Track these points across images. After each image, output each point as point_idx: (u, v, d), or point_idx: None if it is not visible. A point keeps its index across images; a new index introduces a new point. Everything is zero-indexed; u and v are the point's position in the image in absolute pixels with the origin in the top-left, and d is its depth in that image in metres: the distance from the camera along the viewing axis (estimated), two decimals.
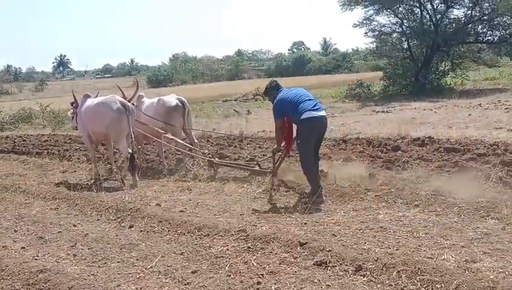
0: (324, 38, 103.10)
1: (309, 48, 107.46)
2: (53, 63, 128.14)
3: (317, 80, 49.45)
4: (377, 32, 27.97)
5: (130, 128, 8.62)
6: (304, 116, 6.45)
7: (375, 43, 29.60)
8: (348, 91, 26.71)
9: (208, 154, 8.97)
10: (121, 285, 4.40)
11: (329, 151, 10.07)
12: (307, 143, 6.59)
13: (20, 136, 17.97)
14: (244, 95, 32.76)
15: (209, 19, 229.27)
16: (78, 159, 11.46)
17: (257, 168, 8.11)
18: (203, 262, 4.78)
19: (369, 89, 27.20)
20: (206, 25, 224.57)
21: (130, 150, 8.57)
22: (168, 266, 4.75)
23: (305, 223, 5.62)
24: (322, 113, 6.63)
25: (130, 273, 4.68)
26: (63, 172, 10.34)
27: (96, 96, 9.41)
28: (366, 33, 28.02)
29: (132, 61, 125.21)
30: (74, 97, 9.96)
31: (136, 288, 4.33)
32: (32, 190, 8.66)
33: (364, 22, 27.53)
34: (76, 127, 10.04)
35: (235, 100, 31.54)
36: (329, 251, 4.54)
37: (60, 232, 6.18)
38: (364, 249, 4.68)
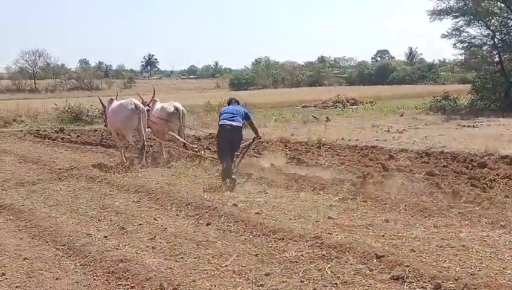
0: (410, 48, 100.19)
1: (393, 57, 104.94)
2: (141, 62, 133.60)
3: (400, 89, 48.26)
4: (467, 44, 26.73)
5: (141, 125, 10.88)
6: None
7: (463, 55, 28.28)
8: (433, 103, 25.69)
9: (196, 148, 11.43)
10: (196, 281, 4.51)
11: (411, 163, 9.81)
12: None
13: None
14: (323, 102, 32.63)
15: (292, 24, 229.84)
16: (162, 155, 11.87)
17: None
18: (276, 265, 4.80)
19: (455, 102, 26.07)
20: (290, 31, 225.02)
21: (144, 142, 10.92)
22: (242, 266, 4.81)
23: (383, 236, 5.49)
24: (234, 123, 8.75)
25: (205, 269, 4.78)
26: (146, 167, 10.72)
27: (116, 99, 11.77)
28: (454, 44, 26.85)
29: (216, 63, 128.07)
30: (101, 101, 12.55)
31: (211, 285, 4.42)
32: (117, 182, 9.08)
33: (454, 32, 26.40)
34: (106, 124, 12.20)
35: (315, 106, 31.48)
36: (407, 266, 4.41)
37: (140, 224, 6.43)
38: (444, 267, 4.51)
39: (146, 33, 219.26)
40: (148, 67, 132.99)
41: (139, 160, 11.00)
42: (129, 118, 10.82)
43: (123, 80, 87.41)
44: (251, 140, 9.68)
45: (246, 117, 9.18)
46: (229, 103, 9.62)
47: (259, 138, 10.15)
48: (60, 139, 17.26)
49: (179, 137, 11.49)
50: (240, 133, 8.94)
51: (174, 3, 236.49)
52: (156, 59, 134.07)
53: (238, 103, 9.64)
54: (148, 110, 11.71)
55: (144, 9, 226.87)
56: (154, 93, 12.55)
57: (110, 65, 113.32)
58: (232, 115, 8.89)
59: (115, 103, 11.47)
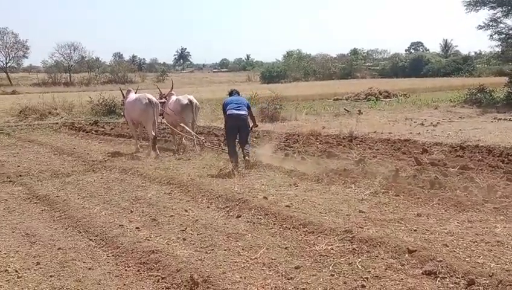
0: (445, 40, 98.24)
1: (428, 49, 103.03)
2: (174, 55, 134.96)
3: (434, 82, 47.34)
4: (504, 36, 25.97)
5: (155, 118, 11.78)
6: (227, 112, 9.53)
7: (501, 47, 27.57)
8: (468, 96, 25.10)
9: (203, 139, 11.72)
10: (226, 273, 4.52)
11: (445, 157, 9.62)
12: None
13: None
14: (356, 94, 32.19)
15: (325, 16, 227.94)
16: (192, 149, 11.97)
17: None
18: (306, 259, 4.77)
19: (491, 95, 25.40)
20: (321, 23, 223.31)
21: (154, 133, 11.69)
22: (272, 259, 4.81)
23: (415, 230, 5.40)
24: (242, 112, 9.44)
25: (235, 262, 4.80)
26: (178, 159, 10.84)
27: (136, 92, 13.00)
28: (491, 36, 26.14)
29: (248, 56, 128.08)
30: (122, 93, 13.85)
31: (241, 277, 4.43)
32: (149, 173, 9.20)
33: (491, 24, 25.70)
34: (123, 114, 13.58)
35: (346, 99, 31.12)
36: (440, 261, 4.33)
37: (172, 216, 6.50)
38: (479, 263, 4.40)
39: (179, 27, 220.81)
40: (181, 60, 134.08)
41: (154, 151, 11.65)
42: (144, 111, 11.67)
43: (156, 74, 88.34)
44: (250, 128, 9.92)
45: (248, 107, 9.79)
46: (231, 94, 10.28)
47: (257, 126, 10.71)
48: (94, 132, 17.58)
49: (189, 129, 11.97)
50: (247, 121, 9.62)
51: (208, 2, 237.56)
52: (188, 52, 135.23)
53: (238, 94, 10.40)
54: (164, 103, 12.73)
55: (176, 3, 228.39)
56: (172, 87, 13.33)
57: (144, 59, 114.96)
58: (237, 105, 9.56)
59: (132, 96, 12.53)
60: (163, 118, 12.88)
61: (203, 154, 11.07)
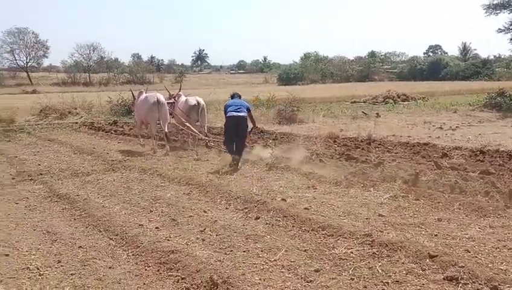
0: (463, 43, 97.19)
1: (446, 52, 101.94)
2: (192, 57, 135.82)
3: (453, 85, 46.83)
4: None
5: (162, 116, 12.25)
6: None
7: None
8: (488, 100, 24.76)
9: (207, 139, 12.61)
10: (246, 274, 4.53)
11: (465, 161, 9.52)
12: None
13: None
14: (373, 97, 31.99)
15: (342, 19, 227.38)
16: (210, 149, 12.02)
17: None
18: (326, 262, 4.76)
19: (511, 99, 25.11)
20: (338, 25, 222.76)
21: (166, 130, 12.43)
22: (291, 261, 4.80)
23: (436, 235, 5.36)
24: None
25: (254, 263, 4.80)
26: (196, 160, 10.88)
27: (146, 92, 13.29)
28: (511, 39, 25.90)
29: (265, 58, 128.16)
30: (132, 94, 14.61)
31: (260, 279, 4.43)
32: (168, 174, 9.25)
33: (511, 27, 25.47)
34: (133, 114, 14.46)
35: (364, 102, 30.93)
36: (462, 266, 4.29)
37: (191, 216, 6.52)
38: (502, 269, 4.35)
39: (197, 28, 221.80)
40: (199, 62, 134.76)
41: (153, 147, 12.61)
42: (151, 110, 12.22)
43: (174, 74, 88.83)
44: (249, 129, 10.40)
45: (248, 109, 10.22)
46: (232, 97, 10.81)
47: (256, 128, 11.51)
48: (113, 132, 17.72)
49: (194, 129, 12.51)
50: (246, 122, 10.08)
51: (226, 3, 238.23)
52: (206, 54, 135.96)
53: (240, 97, 10.85)
54: (173, 103, 13.36)
55: (194, 5, 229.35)
56: (180, 88, 14.49)
57: (162, 60, 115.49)
58: (237, 107, 10.06)
59: (142, 96, 13.04)
60: (172, 117, 13.52)
61: (220, 156, 11.13)
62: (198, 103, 12.65)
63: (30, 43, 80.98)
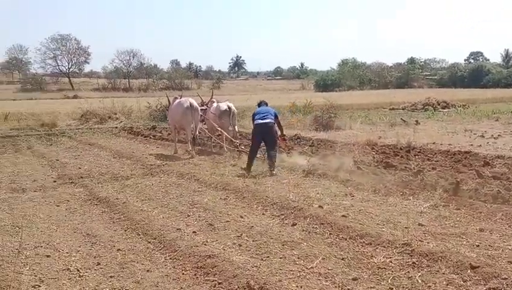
0: (506, 50, 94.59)
1: (488, 59, 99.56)
2: (229, 63, 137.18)
3: (495, 93, 45.70)
4: None
5: (194, 121, 12.70)
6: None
7: None
8: None
9: (240, 144, 12.88)
10: (282, 281, 4.50)
11: (508, 171, 9.24)
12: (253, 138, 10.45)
13: None
14: (412, 104, 31.52)
15: (381, 25, 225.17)
16: (245, 152, 12.04)
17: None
18: (364, 271, 4.69)
19: None
20: (378, 32, 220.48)
21: (197, 133, 13.02)
22: (328, 269, 4.75)
23: (477, 246, 5.21)
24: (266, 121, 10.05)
25: (291, 270, 4.77)
26: (233, 165, 10.93)
27: (181, 98, 13.49)
28: None
29: (302, 65, 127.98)
30: (168, 99, 14.95)
31: (297, 286, 4.40)
32: (205, 179, 9.33)
33: None
34: (168, 118, 14.89)
35: (403, 109, 30.51)
36: (505, 278, 4.16)
37: (227, 221, 6.54)
38: None
39: (235, 35, 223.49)
40: (236, 68, 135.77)
41: (190, 150, 12.84)
42: (185, 114, 12.65)
43: (212, 81, 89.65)
44: (276, 135, 10.42)
45: (275, 116, 10.34)
46: (260, 105, 10.96)
47: (284, 136, 11.43)
48: (152, 137, 18.00)
49: (226, 134, 13.09)
50: (273, 128, 10.19)
51: (261, 6, 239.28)
52: (243, 60, 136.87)
53: (267, 104, 11.02)
54: (205, 110, 13.95)
55: (232, 13, 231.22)
56: (212, 95, 14.95)
57: (200, 66, 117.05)
58: (264, 114, 10.20)
59: (176, 101, 13.42)
60: (204, 123, 14.27)
61: (241, 157, 11.46)
62: (229, 107, 13.20)
63: (72, 50, 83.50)
